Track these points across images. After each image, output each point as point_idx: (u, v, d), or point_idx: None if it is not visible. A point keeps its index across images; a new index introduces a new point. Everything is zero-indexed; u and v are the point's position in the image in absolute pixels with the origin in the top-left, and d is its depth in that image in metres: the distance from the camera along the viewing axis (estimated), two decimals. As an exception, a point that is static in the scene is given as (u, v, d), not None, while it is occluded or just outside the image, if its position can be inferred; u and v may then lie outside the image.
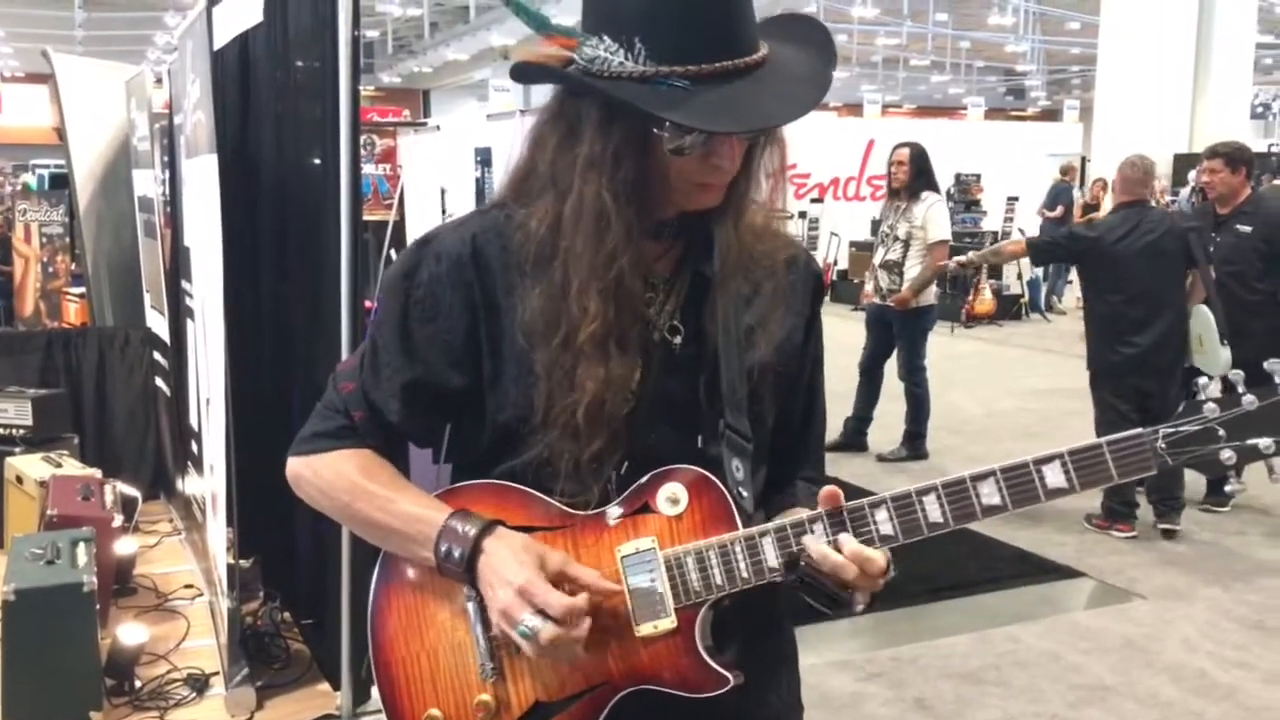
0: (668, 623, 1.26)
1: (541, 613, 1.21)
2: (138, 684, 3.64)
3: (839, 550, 1.23)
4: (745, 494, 1.29)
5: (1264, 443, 1.16)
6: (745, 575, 1.25)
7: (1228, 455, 1.17)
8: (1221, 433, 1.17)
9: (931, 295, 6.71)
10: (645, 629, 1.26)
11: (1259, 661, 4.10)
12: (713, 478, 1.27)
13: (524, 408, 1.30)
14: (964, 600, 4.62)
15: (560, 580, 1.24)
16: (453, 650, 1.33)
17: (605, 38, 1.20)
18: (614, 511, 1.29)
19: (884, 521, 1.24)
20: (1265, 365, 1.16)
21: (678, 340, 1.32)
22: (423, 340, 1.34)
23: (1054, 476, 1.20)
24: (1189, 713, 3.72)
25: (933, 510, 1.23)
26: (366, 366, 1.37)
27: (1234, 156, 5.59)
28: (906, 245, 6.50)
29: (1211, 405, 1.17)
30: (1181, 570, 5.03)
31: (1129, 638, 4.31)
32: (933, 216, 6.48)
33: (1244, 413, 1.16)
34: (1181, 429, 1.17)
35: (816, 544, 1.23)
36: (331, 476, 1.37)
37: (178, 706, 3.56)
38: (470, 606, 1.30)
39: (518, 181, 1.35)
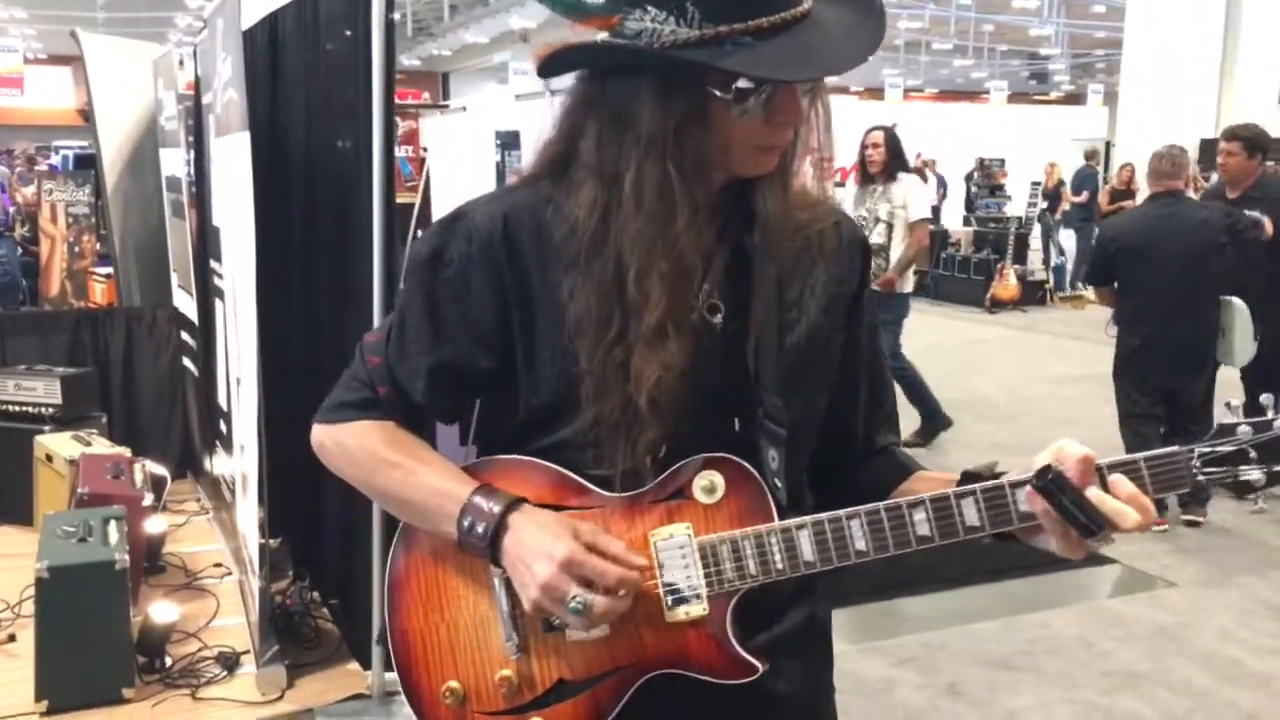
0: (699, 609, 1.25)
1: (587, 584, 1.19)
2: (169, 662, 3.65)
3: (1115, 494, 1.17)
4: (780, 485, 1.26)
5: None
6: (780, 567, 1.24)
7: (1257, 477, 1.19)
8: (1253, 454, 1.19)
9: (909, 283, 6.71)
10: (677, 614, 1.25)
11: (1294, 650, 4.07)
12: (750, 469, 1.25)
13: (561, 394, 1.27)
14: (994, 586, 4.58)
15: (593, 551, 1.22)
16: (474, 624, 1.32)
17: (650, 8, 1.15)
18: (649, 495, 1.26)
19: (921, 522, 1.22)
20: None
21: (718, 319, 1.28)
22: (451, 320, 1.30)
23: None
24: (1223, 701, 3.68)
25: (970, 514, 1.21)
26: (393, 343, 1.34)
27: (1254, 142, 5.59)
28: (890, 227, 6.51)
29: (1245, 428, 1.19)
30: (1214, 558, 4.99)
31: (1161, 625, 4.28)
32: (913, 196, 6.55)
33: (1277, 436, 1.18)
34: (1217, 449, 1.19)
35: (1094, 493, 1.17)
36: (354, 447, 1.35)
37: (209, 684, 3.57)
38: (496, 581, 1.29)
39: (550, 162, 1.30)
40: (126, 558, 3.46)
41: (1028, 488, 1.19)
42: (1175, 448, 1.20)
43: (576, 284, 1.25)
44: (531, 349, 1.29)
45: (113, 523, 3.65)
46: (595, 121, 1.23)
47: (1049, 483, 1.16)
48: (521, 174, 1.34)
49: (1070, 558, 1.21)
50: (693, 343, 1.24)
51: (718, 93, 1.17)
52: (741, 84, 1.16)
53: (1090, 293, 13.03)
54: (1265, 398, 1.21)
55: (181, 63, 5.71)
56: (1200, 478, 1.19)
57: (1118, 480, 1.17)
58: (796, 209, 1.30)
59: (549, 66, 1.23)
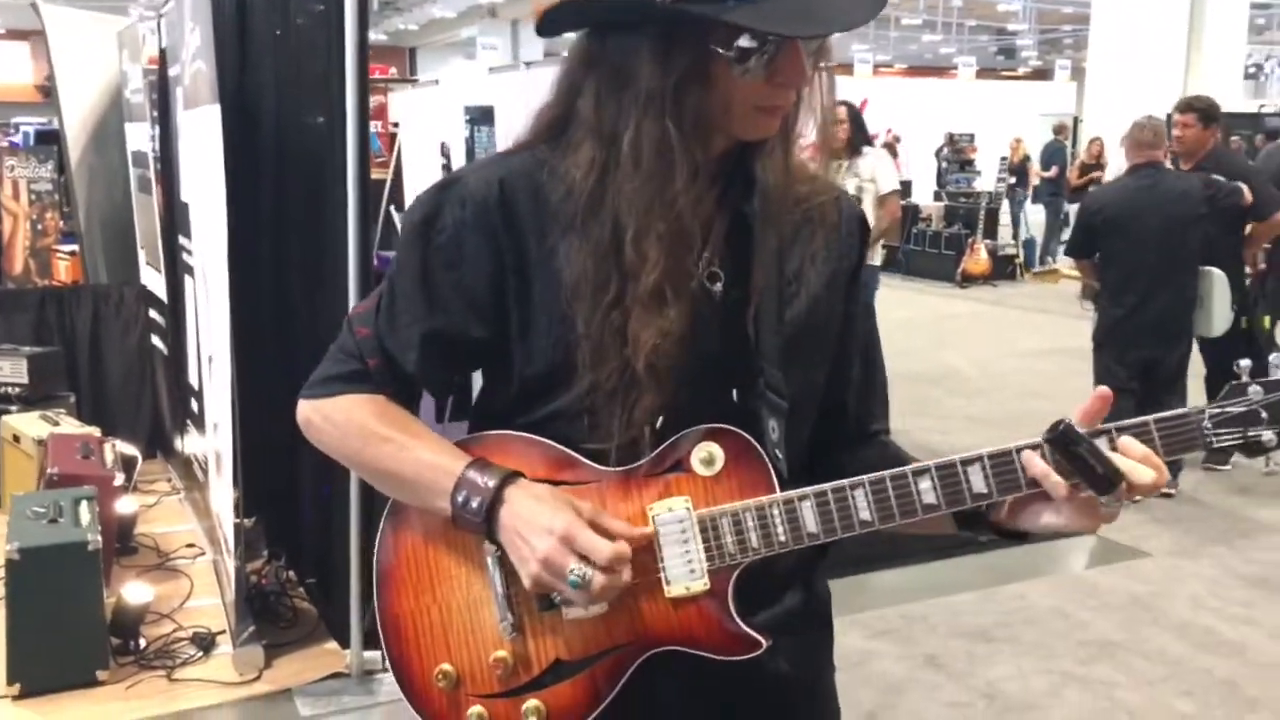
0: (700, 584, 1.22)
1: (585, 559, 1.16)
2: (143, 643, 3.61)
3: (1127, 454, 1.15)
4: (780, 456, 1.24)
5: None
6: (783, 539, 1.21)
7: (1269, 437, 1.17)
8: (1264, 415, 1.17)
9: (878, 255, 6.72)
10: (676, 590, 1.22)
11: (1265, 618, 4.11)
12: (751, 439, 1.22)
13: (557, 362, 1.24)
14: (970, 558, 4.60)
15: (595, 530, 1.19)
16: (467, 605, 1.28)
17: None
18: (645, 469, 1.24)
19: (926, 490, 1.19)
20: None
21: (718, 287, 1.25)
22: (444, 288, 1.26)
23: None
24: (1198, 669, 3.72)
25: (976, 480, 1.18)
26: (383, 313, 1.30)
27: (1207, 113, 5.61)
28: (858, 201, 6.52)
29: (1256, 388, 1.17)
30: (1186, 528, 5.03)
31: (1135, 595, 4.32)
32: (881, 169, 6.54)
33: None
34: (1228, 410, 1.17)
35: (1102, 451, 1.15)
36: (343, 421, 1.30)
37: (184, 665, 3.54)
38: (489, 560, 1.25)
39: (548, 126, 1.27)
40: (99, 538, 3.42)
41: (1036, 449, 1.16)
42: (1186, 409, 1.18)
43: (573, 246, 1.22)
44: (527, 317, 1.25)
45: (84, 503, 3.60)
46: (594, 79, 1.21)
47: (1060, 434, 1.14)
48: (520, 140, 1.30)
49: (1081, 530, 1.19)
50: (691, 309, 1.21)
51: (720, 50, 1.14)
52: (743, 42, 1.13)
53: (1063, 266, 13.13)
54: (1275, 357, 1.19)
55: (144, 38, 5.61)
56: (1211, 439, 1.17)
57: (1128, 442, 1.15)
58: (797, 181, 1.28)
59: (549, 23, 1.21)
